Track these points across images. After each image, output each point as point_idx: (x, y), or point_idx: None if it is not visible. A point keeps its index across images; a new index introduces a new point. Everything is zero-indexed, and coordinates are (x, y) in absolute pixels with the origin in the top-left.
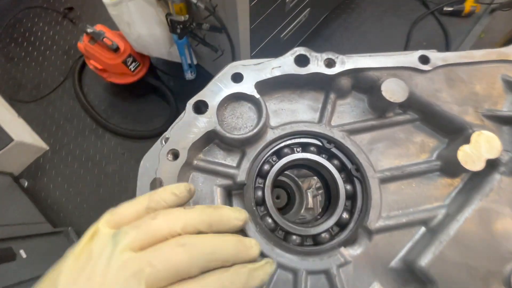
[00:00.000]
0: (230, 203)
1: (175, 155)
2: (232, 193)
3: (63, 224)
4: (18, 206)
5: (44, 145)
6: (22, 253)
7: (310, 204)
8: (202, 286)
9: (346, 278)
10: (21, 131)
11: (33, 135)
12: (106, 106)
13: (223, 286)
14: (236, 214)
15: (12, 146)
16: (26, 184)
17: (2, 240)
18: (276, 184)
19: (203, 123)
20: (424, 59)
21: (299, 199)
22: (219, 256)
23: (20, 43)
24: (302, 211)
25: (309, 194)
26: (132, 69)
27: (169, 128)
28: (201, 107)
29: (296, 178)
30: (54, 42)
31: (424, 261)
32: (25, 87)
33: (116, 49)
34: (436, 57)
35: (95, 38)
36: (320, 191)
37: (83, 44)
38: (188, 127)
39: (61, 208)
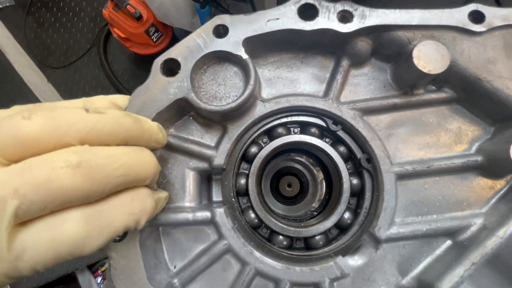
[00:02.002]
0: (208, 191)
1: None
2: (212, 177)
3: None
4: None
5: None
6: None
7: (323, 196)
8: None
9: None
10: (50, 96)
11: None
12: (129, 76)
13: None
14: (160, 135)
15: None
16: None
17: None
18: (289, 171)
19: (172, 89)
20: (477, 16)
21: (312, 190)
22: (127, 179)
23: (50, 8)
24: (315, 203)
25: (324, 184)
26: (155, 40)
27: (132, 94)
28: (171, 68)
29: (311, 167)
30: (82, 8)
31: (447, 285)
32: (54, 53)
33: (139, 18)
34: (494, 14)
35: (119, 4)
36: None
37: (107, 11)
38: (153, 92)
39: None
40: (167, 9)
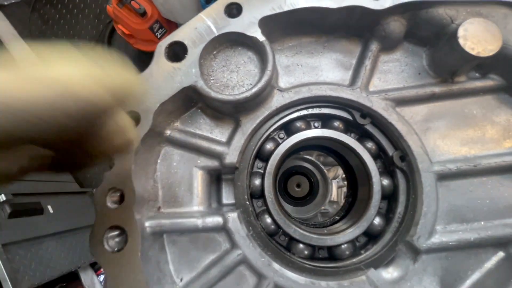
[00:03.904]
0: (218, 192)
1: (135, 119)
2: (221, 177)
3: (89, 185)
4: None
5: None
6: (50, 209)
7: (334, 197)
8: None
9: None
10: None
11: None
12: None
13: None
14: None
15: None
16: None
17: (32, 194)
18: (298, 170)
19: (178, 76)
20: None
21: (323, 190)
22: None
23: (55, 4)
24: (325, 204)
25: (334, 184)
26: (159, 36)
27: None
28: (177, 53)
29: (321, 166)
30: (86, 5)
31: None
32: None
33: (143, 14)
34: None
35: (123, 0)
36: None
37: (111, 7)
38: (157, 80)
39: (88, 169)
40: (172, 5)
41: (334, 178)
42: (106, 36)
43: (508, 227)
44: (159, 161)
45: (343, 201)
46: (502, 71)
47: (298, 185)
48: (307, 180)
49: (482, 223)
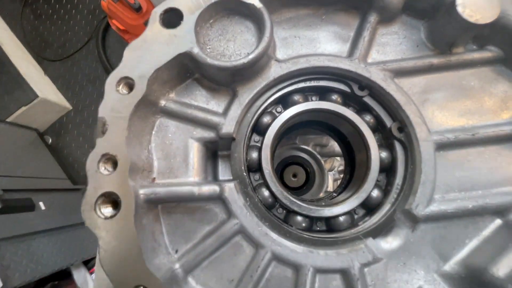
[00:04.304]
0: (214, 168)
1: (129, 86)
2: (218, 153)
3: (83, 183)
4: (41, 160)
5: (67, 105)
6: (41, 205)
7: (330, 187)
8: None
9: (373, 282)
10: (46, 89)
11: (58, 94)
12: None
13: None
14: None
15: (37, 103)
16: (50, 141)
17: (23, 190)
18: (295, 160)
19: (174, 42)
20: None
21: (319, 180)
22: None
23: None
24: (321, 194)
25: (330, 176)
26: None
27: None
28: (173, 20)
29: (318, 156)
30: (80, 0)
31: (504, 271)
32: (52, 45)
33: (138, 9)
34: None
35: None
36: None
37: (106, 2)
38: (152, 46)
39: (82, 167)
40: None
41: (330, 170)
42: (101, 32)
43: (506, 195)
44: (153, 132)
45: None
46: (499, 42)
47: (295, 175)
48: (303, 170)
49: (480, 192)
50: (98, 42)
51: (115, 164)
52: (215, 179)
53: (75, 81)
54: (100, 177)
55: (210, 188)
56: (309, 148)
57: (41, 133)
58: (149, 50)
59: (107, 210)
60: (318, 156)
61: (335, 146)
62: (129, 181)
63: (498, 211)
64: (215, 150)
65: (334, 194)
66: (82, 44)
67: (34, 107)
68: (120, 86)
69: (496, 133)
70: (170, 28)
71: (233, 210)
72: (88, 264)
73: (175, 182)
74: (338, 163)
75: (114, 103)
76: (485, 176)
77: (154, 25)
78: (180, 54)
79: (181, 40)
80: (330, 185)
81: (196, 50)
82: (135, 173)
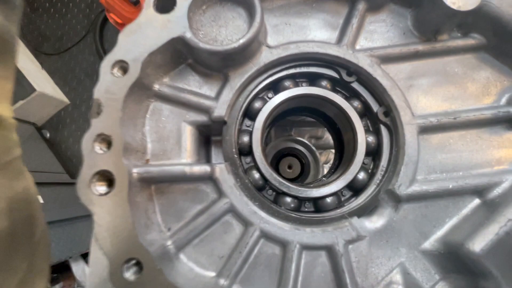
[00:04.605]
0: (207, 152)
1: (123, 69)
2: (211, 139)
3: None
4: (39, 154)
5: (65, 99)
6: (40, 199)
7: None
8: None
9: (357, 258)
10: (44, 83)
11: (55, 88)
12: None
13: None
14: None
15: (35, 97)
16: (48, 135)
17: None
18: (290, 152)
19: (167, 27)
20: None
21: (314, 172)
22: None
23: None
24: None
25: (325, 169)
26: None
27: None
28: (166, 5)
29: (313, 148)
30: None
31: (479, 245)
32: (49, 39)
33: (136, 2)
34: None
35: None
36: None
37: None
38: (145, 30)
39: (80, 161)
40: None
41: (326, 162)
42: (98, 26)
43: (485, 176)
44: (147, 115)
45: None
46: (482, 29)
47: (290, 167)
48: (298, 162)
49: (461, 173)
50: (96, 36)
51: (109, 143)
52: (208, 162)
53: (73, 75)
54: (95, 156)
55: (201, 168)
56: (305, 140)
57: (39, 127)
58: (143, 35)
59: (102, 188)
60: (313, 148)
61: (330, 138)
62: (123, 160)
63: (476, 191)
64: (208, 136)
65: (324, 178)
66: (80, 38)
67: (31, 101)
68: (115, 69)
69: (477, 117)
70: (164, 13)
71: (223, 190)
72: (87, 257)
73: (168, 163)
74: (334, 155)
75: (109, 85)
76: (465, 158)
77: (148, 10)
78: (174, 38)
79: (174, 25)
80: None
81: (189, 35)
82: (129, 154)
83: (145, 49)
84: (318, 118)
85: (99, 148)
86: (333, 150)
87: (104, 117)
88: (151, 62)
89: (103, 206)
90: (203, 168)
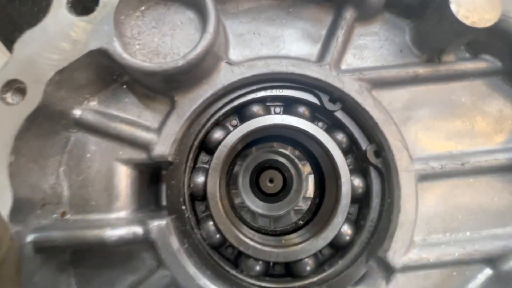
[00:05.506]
0: (155, 194)
1: (21, 91)
2: (161, 173)
3: None
4: None
5: None
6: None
7: (310, 193)
8: None
9: None
10: None
11: None
12: None
13: None
14: None
15: None
16: None
17: None
18: (270, 164)
19: (84, 35)
20: None
21: (297, 186)
22: None
23: None
24: (300, 201)
25: (310, 180)
26: None
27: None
28: (86, 4)
29: (296, 160)
30: None
31: None
32: (21, 27)
33: None
34: None
35: None
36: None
37: None
38: (53, 38)
39: None
40: None
41: (310, 173)
42: None
43: (497, 239)
44: (66, 151)
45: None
46: (497, 50)
47: (271, 180)
48: (280, 175)
49: (468, 233)
50: None
51: None
52: (158, 205)
53: None
54: None
55: (129, 231)
56: (287, 152)
57: None
58: (49, 45)
59: None
60: (296, 161)
61: None
62: (15, 226)
63: (488, 259)
64: (157, 170)
65: (301, 222)
66: None
67: None
68: (8, 93)
69: (489, 162)
70: (82, 15)
71: (163, 258)
72: None
73: (91, 220)
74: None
75: None
76: (473, 214)
77: (59, 11)
78: (92, 51)
79: (95, 32)
80: (310, 190)
81: (113, 47)
82: (26, 211)
83: (50, 65)
84: (297, 149)
85: None
86: None
87: None
88: (63, 82)
89: None
90: (132, 231)
